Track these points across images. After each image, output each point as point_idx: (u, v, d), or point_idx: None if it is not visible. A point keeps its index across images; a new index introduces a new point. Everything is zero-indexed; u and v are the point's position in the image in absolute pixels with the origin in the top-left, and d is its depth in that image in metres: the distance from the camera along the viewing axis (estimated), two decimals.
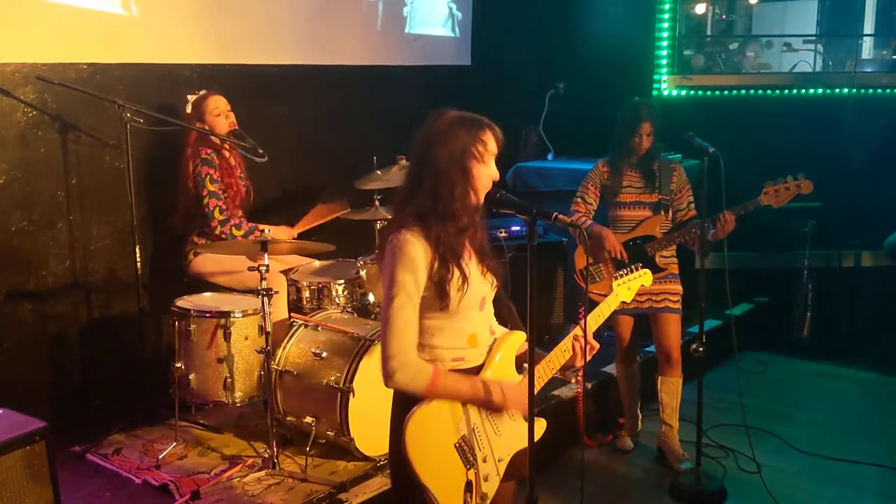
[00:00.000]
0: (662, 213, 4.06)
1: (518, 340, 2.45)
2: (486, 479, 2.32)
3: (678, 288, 4.11)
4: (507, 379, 2.39)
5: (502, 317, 2.54)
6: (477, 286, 2.30)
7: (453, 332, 2.29)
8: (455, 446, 2.26)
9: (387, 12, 5.67)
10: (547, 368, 2.44)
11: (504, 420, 2.39)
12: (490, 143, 2.26)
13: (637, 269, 2.78)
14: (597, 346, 2.46)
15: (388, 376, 2.18)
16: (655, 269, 4.07)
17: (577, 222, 3.80)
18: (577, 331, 2.43)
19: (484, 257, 2.37)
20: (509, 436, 2.40)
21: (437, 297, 2.22)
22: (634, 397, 4.41)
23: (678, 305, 4.10)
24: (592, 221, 4.12)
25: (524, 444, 2.39)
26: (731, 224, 3.87)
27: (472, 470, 2.27)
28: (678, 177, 4.10)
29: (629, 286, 2.74)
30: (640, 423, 4.49)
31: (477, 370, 2.34)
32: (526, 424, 2.39)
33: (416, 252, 2.18)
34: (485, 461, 2.32)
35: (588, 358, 2.45)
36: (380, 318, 2.29)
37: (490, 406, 2.31)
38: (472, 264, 2.31)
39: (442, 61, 6.17)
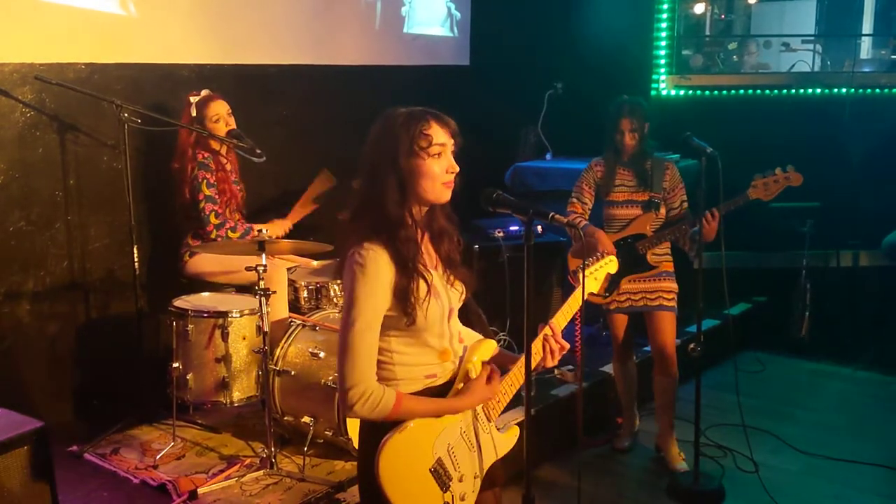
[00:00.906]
0: (653, 211, 4.06)
1: (489, 349, 2.34)
2: (462, 499, 2.25)
3: (673, 286, 4.11)
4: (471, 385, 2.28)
5: (471, 324, 2.45)
6: (443, 297, 2.18)
7: (424, 348, 2.17)
8: (430, 471, 2.17)
9: (385, 12, 5.67)
10: (518, 374, 2.34)
11: (481, 434, 2.31)
12: (437, 135, 2.10)
13: (602, 257, 2.63)
14: (566, 346, 2.35)
15: (348, 407, 2.05)
16: (647, 266, 4.07)
17: (573, 222, 3.79)
18: (547, 330, 2.33)
19: (450, 266, 2.24)
20: (485, 449, 2.33)
21: (403, 313, 2.08)
22: (632, 396, 4.40)
23: (672, 303, 4.10)
24: (587, 222, 4.12)
25: (500, 454, 2.37)
26: (716, 221, 3.84)
27: (448, 492, 2.21)
28: (671, 175, 4.10)
29: (596, 276, 2.59)
30: (637, 422, 4.49)
31: (449, 384, 2.24)
32: (501, 436, 2.37)
33: (379, 266, 2.05)
34: (461, 480, 2.24)
35: (557, 359, 2.34)
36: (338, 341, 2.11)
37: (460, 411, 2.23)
38: (436, 274, 2.19)
39: (441, 61, 6.17)
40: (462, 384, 2.25)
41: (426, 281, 2.11)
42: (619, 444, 4.42)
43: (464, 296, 2.30)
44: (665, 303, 4.09)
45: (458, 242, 2.30)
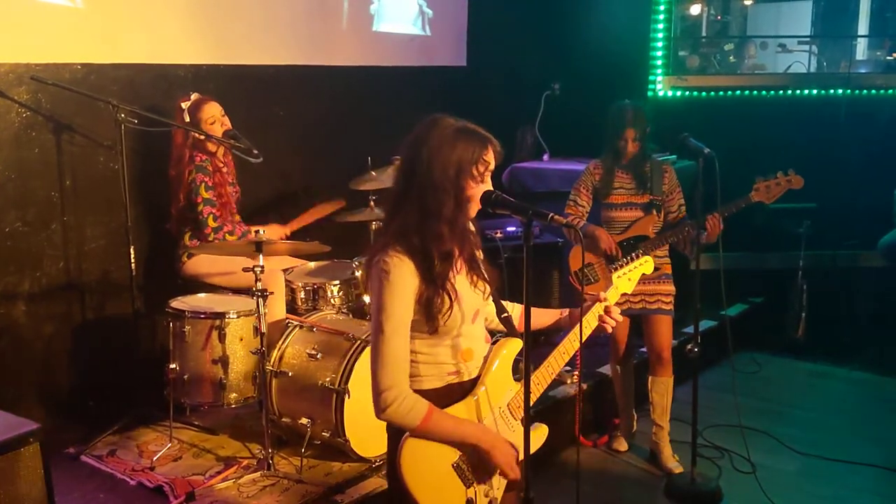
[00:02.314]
0: (654, 212, 4.06)
1: (515, 348, 2.37)
2: (486, 495, 2.27)
3: (671, 288, 4.11)
4: (501, 408, 2.32)
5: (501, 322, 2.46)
6: (468, 300, 2.21)
7: (447, 348, 2.22)
8: (453, 466, 2.20)
9: (355, 9, 5.61)
10: (546, 374, 2.39)
11: (506, 433, 2.32)
12: (491, 161, 2.15)
13: (637, 258, 2.66)
14: (619, 318, 2.46)
15: (381, 410, 2.09)
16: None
17: (572, 223, 3.75)
18: (598, 307, 2.43)
19: (474, 267, 2.27)
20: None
21: (426, 319, 2.14)
22: (629, 398, 4.41)
23: (670, 306, 4.11)
24: (586, 222, 4.12)
25: (521, 456, 2.36)
26: (719, 224, 3.84)
27: (471, 488, 2.22)
28: (669, 178, 4.11)
29: (629, 277, 2.63)
30: (634, 423, 4.49)
31: (473, 382, 2.28)
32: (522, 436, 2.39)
33: (403, 275, 2.08)
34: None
35: (617, 320, 2.44)
36: (370, 346, 2.16)
37: (478, 453, 2.22)
38: (461, 277, 2.23)
39: (438, 62, 6.16)
40: (486, 386, 2.28)
41: (448, 293, 2.14)
42: (616, 445, 4.42)
43: (488, 294, 2.33)
44: (663, 306, 4.09)
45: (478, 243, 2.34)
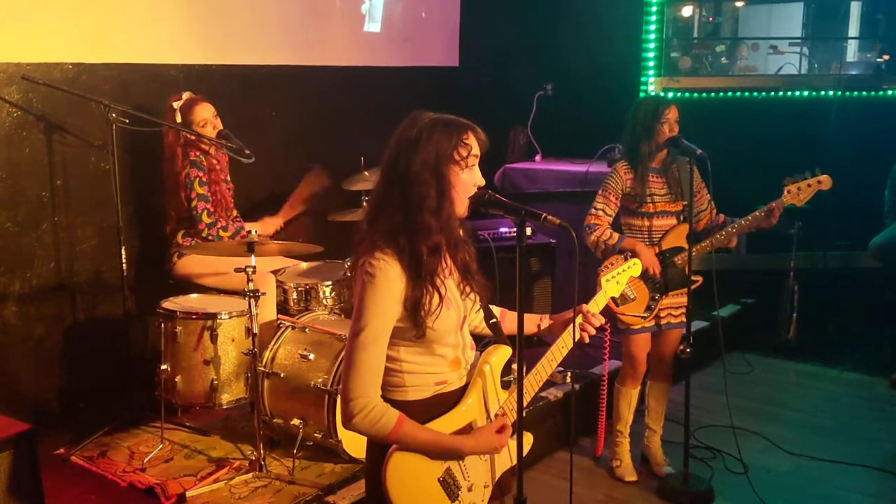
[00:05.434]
0: (684, 220, 3.84)
1: (504, 355, 2.32)
2: None
3: (686, 297, 3.91)
4: (481, 416, 2.26)
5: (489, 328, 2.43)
6: (456, 308, 2.16)
7: (434, 357, 2.15)
8: (439, 481, 2.15)
9: (348, 9, 5.62)
10: (534, 382, 2.35)
11: None
12: (473, 146, 2.08)
13: (626, 260, 2.58)
14: (601, 318, 2.37)
15: (347, 418, 2.01)
16: (689, 282, 3.82)
17: (602, 237, 3.60)
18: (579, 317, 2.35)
19: (467, 276, 2.21)
20: (496, 459, 2.30)
21: (413, 325, 2.06)
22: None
23: (685, 317, 3.95)
24: (620, 234, 3.81)
25: (514, 461, 2.33)
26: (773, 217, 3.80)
27: (456, 502, 2.18)
28: (695, 176, 3.85)
29: (618, 280, 2.54)
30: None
31: (461, 391, 2.23)
32: (514, 443, 2.32)
33: (390, 279, 2.00)
34: (470, 490, 2.22)
35: (595, 325, 2.35)
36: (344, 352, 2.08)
37: (460, 456, 2.18)
38: (451, 283, 2.17)
39: (430, 62, 6.17)
40: (474, 395, 2.23)
41: (439, 293, 2.08)
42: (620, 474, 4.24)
43: (477, 304, 2.30)
44: (684, 318, 3.91)
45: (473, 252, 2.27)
